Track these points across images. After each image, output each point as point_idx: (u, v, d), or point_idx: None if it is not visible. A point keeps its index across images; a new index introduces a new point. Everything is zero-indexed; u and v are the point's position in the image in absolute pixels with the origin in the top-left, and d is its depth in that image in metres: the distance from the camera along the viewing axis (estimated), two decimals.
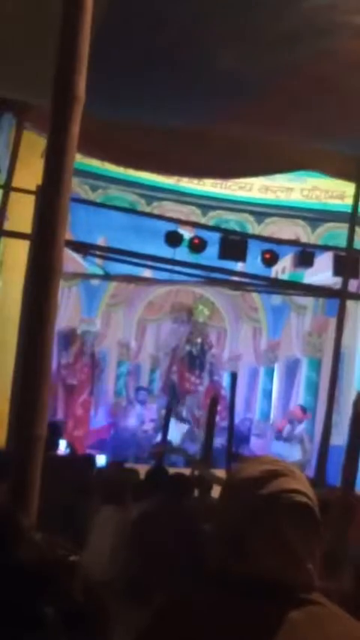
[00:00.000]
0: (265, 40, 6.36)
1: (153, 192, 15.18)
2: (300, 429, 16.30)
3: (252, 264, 12.59)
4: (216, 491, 6.49)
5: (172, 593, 1.92)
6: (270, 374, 17.55)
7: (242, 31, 6.27)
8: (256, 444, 16.68)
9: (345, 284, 10.48)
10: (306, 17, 5.97)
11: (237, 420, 13.69)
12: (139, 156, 10.32)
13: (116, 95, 7.26)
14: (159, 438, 14.23)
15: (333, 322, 11.66)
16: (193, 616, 1.74)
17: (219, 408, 11.39)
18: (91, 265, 14.32)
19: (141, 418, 16.54)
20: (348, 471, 5.82)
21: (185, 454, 13.36)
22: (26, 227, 9.52)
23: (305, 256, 12.71)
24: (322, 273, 13.06)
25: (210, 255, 12.07)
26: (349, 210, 10.58)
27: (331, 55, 6.47)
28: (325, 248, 13.61)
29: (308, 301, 16.41)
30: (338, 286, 11.18)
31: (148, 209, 15.00)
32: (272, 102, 7.42)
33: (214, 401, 10.34)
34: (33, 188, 8.84)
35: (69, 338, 15.95)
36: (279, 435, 16.51)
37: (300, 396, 16.87)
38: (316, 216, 15.65)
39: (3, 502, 3.00)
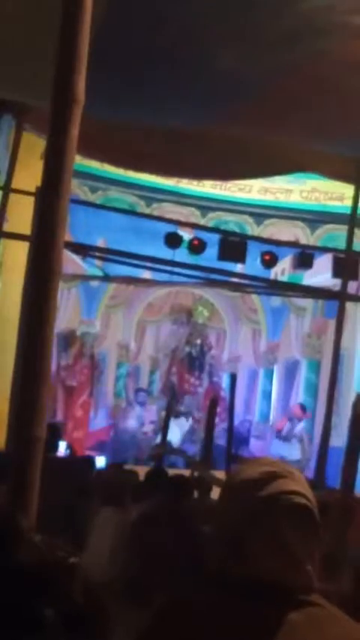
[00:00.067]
0: (264, 40, 6.35)
1: (152, 194, 15.17)
2: (300, 427, 16.28)
3: (251, 265, 12.58)
4: (216, 493, 6.49)
5: (172, 594, 1.93)
6: (269, 375, 17.53)
7: (242, 31, 6.26)
8: (255, 446, 16.66)
9: (344, 286, 10.47)
10: (305, 17, 5.97)
11: (236, 422, 13.65)
12: (138, 157, 10.31)
13: (116, 95, 7.25)
14: (159, 439, 14.22)
15: (332, 324, 11.66)
16: (193, 617, 1.74)
17: (218, 409, 11.40)
18: (91, 267, 14.31)
19: (140, 419, 16.52)
20: (347, 473, 5.81)
21: (185, 455, 13.33)
22: (26, 228, 9.51)
23: (304, 258, 12.70)
24: (321, 274, 13.04)
25: (209, 257, 12.05)
26: (349, 212, 10.57)
27: (330, 56, 6.47)
28: (325, 250, 13.62)
29: (307, 303, 16.41)
30: (337, 288, 11.16)
31: (147, 210, 15.00)
32: (272, 102, 7.42)
33: (214, 402, 10.35)
34: (32, 189, 8.82)
35: (68, 339, 15.92)
36: (279, 434, 16.50)
37: (299, 397, 16.84)
38: (315, 218, 15.64)
39: (3, 504, 3.00)
